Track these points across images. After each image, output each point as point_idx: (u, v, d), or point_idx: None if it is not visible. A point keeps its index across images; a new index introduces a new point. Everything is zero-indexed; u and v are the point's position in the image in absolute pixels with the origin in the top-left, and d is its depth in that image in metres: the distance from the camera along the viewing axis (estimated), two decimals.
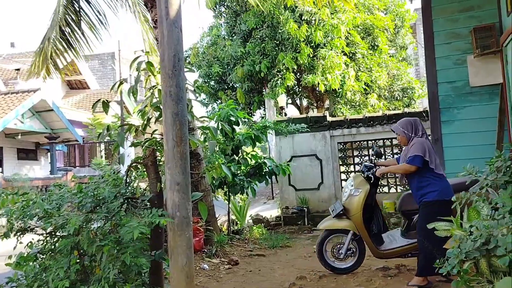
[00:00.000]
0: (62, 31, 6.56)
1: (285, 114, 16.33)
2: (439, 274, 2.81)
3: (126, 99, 18.58)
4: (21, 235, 3.59)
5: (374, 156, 5.23)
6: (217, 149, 7.23)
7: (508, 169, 2.67)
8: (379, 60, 14.52)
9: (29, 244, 3.59)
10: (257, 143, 7.73)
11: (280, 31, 12.94)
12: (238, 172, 7.28)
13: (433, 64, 6.34)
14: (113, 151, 4.44)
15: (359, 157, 9.62)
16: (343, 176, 9.64)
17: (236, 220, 8.75)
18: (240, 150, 7.54)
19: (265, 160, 7.75)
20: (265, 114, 15.97)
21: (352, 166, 9.71)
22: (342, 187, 9.51)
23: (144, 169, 3.84)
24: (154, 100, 4.23)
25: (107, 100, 4.32)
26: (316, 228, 8.55)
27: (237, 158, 7.47)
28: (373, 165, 5.02)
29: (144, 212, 3.40)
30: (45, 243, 3.62)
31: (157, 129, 4.42)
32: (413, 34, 18.13)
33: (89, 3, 6.63)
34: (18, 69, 19.30)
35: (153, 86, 4.32)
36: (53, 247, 3.64)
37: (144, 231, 3.20)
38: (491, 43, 5.85)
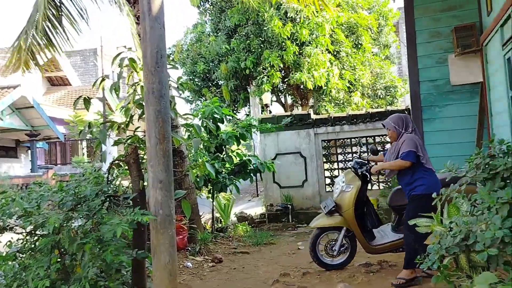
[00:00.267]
0: (42, 26, 6.44)
1: (270, 112, 16.33)
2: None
3: (109, 96, 18.34)
4: (0, 234, 3.52)
5: (370, 154, 5.22)
6: (201, 146, 7.20)
7: (487, 166, 2.72)
8: (362, 59, 14.64)
9: (8, 243, 3.53)
10: (242, 141, 7.73)
11: (265, 28, 12.93)
12: (222, 170, 7.26)
13: (415, 62, 6.42)
14: (95, 149, 4.39)
15: (343, 155, 9.70)
16: (327, 174, 9.70)
17: (220, 218, 8.74)
18: (224, 148, 7.51)
19: (250, 158, 7.75)
20: (250, 112, 15.97)
21: (336, 164, 9.77)
22: (326, 184, 9.57)
23: (126, 167, 3.80)
24: (137, 97, 4.18)
25: (88, 97, 4.26)
26: (300, 225, 8.64)
27: (221, 155, 7.45)
28: (365, 161, 5.07)
29: (127, 210, 3.37)
30: (24, 242, 3.56)
31: (139, 127, 4.38)
32: (396, 32, 18.32)
33: None
34: None
35: (136, 83, 4.28)
36: (33, 246, 3.58)
37: (127, 229, 3.17)
38: (472, 42, 5.95)
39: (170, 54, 16.09)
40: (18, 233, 3.57)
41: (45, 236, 3.41)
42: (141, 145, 4.22)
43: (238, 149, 7.85)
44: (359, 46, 14.55)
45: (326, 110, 14.43)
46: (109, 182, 3.77)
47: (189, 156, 7.03)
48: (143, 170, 3.80)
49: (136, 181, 3.66)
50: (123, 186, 3.87)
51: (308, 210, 9.14)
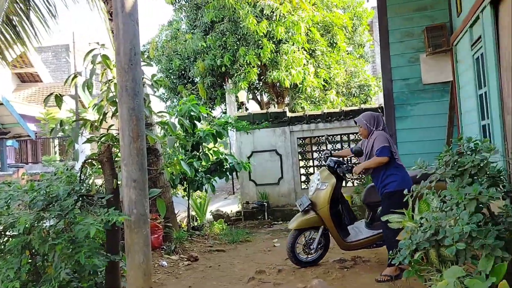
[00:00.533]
0: (10, 20, 6.25)
1: (246, 109, 16.34)
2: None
3: (81, 93, 17.97)
4: None
5: (354, 155, 4.96)
6: (177, 144, 7.14)
7: (455, 163, 2.80)
8: (337, 58, 14.80)
9: None
10: (219, 139, 7.70)
11: (241, 25, 12.91)
12: (199, 168, 7.22)
13: (388, 61, 6.54)
14: (68, 147, 4.31)
15: (318, 152, 9.79)
16: (303, 171, 9.78)
17: (196, 216, 8.70)
18: (201, 146, 7.47)
19: (226, 157, 7.73)
20: (226, 109, 15.93)
21: (311, 161, 9.86)
22: (301, 182, 9.64)
23: (100, 166, 3.75)
24: (111, 95, 4.12)
25: (60, 94, 4.17)
26: (276, 223, 8.69)
27: (198, 154, 7.41)
28: (341, 160, 5.09)
29: (100, 210, 3.32)
30: None
31: (113, 124, 4.31)
32: (370, 32, 18.59)
33: None
34: None
35: (109, 80, 4.21)
36: (2, 247, 3.50)
37: (100, 229, 3.13)
38: (442, 42, 6.10)
39: (145, 51, 15.88)
40: None
41: (15, 237, 3.33)
42: (115, 143, 4.16)
43: (215, 147, 7.82)
44: (334, 45, 14.70)
45: (302, 107, 14.53)
46: (81, 181, 3.70)
47: (165, 154, 6.97)
48: (117, 169, 3.75)
49: (109, 180, 3.61)
50: (96, 185, 3.81)
51: (284, 208, 9.21)
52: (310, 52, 14.09)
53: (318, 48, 14.13)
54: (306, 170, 9.80)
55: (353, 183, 9.41)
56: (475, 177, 2.74)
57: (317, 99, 14.77)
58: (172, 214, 6.88)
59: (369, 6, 16.70)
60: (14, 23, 6.32)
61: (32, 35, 6.41)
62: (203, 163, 7.32)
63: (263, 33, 12.62)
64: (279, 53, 13.12)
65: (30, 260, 3.33)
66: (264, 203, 9.13)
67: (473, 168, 2.69)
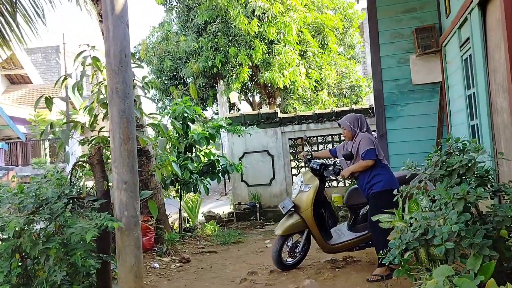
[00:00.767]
0: None
1: (238, 110, 16.36)
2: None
3: (72, 95, 17.86)
4: None
5: (344, 158, 4.85)
6: (169, 146, 7.12)
7: (444, 163, 2.83)
8: (328, 59, 14.88)
9: None
10: (211, 141, 7.68)
11: (232, 26, 12.92)
12: (194, 170, 7.19)
13: (378, 62, 6.59)
14: (58, 150, 4.28)
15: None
16: (294, 172, 9.80)
17: (188, 218, 8.68)
18: (194, 148, 7.46)
19: (219, 158, 7.72)
20: (218, 110, 15.93)
21: (303, 162, 9.88)
22: (293, 182, 9.66)
23: (90, 168, 3.73)
24: (101, 97, 4.11)
25: (50, 96, 4.14)
26: (268, 223, 8.70)
27: (190, 155, 7.39)
28: (326, 163, 5.06)
29: (92, 213, 3.31)
30: None
31: (104, 126, 4.30)
32: (361, 33, 18.69)
33: None
34: None
35: (100, 82, 4.20)
36: None
37: (97, 234, 3.12)
38: (432, 43, 6.16)
39: (136, 52, 15.84)
40: None
41: (5, 240, 3.31)
42: (106, 145, 4.15)
43: (207, 148, 7.81)
44: (325, 46, 14.78)
45: (294, 108, 14.58)
46: (72, 183, 3.69)
47: (157, 155, 6.95)
48: (107, 171, 3.74)
49: (100, 182, 3.60)
50: (87, 188, 3.80)
51: (276, 208, 9.20)
52: (302, 53, 14.14)
53: (309, 49, 14.19)
54: (298, 171, 9.82)
55: (344, 183, 9.46)
56: (464, 177, 2.77)
57: (308, 100, 14.83)
58: (163, 215, 6.87)
59: (359, 8, 16.81)
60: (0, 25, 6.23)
61: (15, 38, 6.32)
62: (195, 164, 7.31)
63: (255, 32, 12.65)
64: (272, 54, 13.16)
65: (20, 264, 3.31)
66: (256, 204, 9.14)
67: (461, 168, 2.71)
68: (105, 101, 3.95)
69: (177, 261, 5.88)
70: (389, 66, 6.55)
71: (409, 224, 2.89)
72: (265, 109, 15.80)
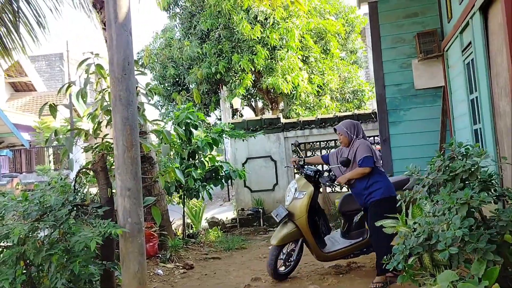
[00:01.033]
0: None
1: (241, 115, 16.40)
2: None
3: (76, 102, 17.96)
4: None
5: (341, 165, 4.70)
6: (172, 152, 7.14)
7: (447, 168, 2.83)
8: (331, 64, 14.91)
9: None
10: (214, 146, 7.70)
11: (235, 31, 12.99)
12: (198, 177, 7.19)
13: (381, 67, 6.60)
14: (62, 157, 4.30)
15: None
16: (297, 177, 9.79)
17: (192, 224, 8.68)
18: (197, 154, 7.47)
19: (222, 164, 7.73)
20: (221, 116, 15.97)
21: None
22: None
23: (94, 175, 3.75)
24: (105, 104, 4.13)
25: (54, 104, 4.17)
26: (272, 229, 8.69)
27: (194, 162, 7.40)
28: (320, 169, 4.97)
29: (96, 220, 3.32)
30: None
31: (108, 133, 4.32)
32: (363, 38, 18.74)
33: (29, 4, 6.31)
34: None
35: (104, 89, 4.22)
36: None
37: (101, 242, 3.12)
38: (434, 47, 6.16)
39: (139, 58, 15.92)
40: None
41: (10, 248, 3.32)
42: (110, 152, 4.17)
43: (210, 154, 7.82)
44: (328, 51, 14.82)
45: (297, 113, 14.60)
46: (76, 190, 3.70)
47: (160, 162, 6.97)
48: (111, 178, 3.75)
49: (104, 189, 3.62)
50: (91, 194, 3.82)
51: None
52: (304, 58, 14.18)
53: (311, 54, 14.23)
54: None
55: (348, 189, 9.42)
56: (467, 182, 2.77)
57: (311, 105, 14.85)
58: (167, 222, 6.87)
59: (361, 13, 16.84)
60: (1, 34, 6.27)
61: (19, 47, 6.36)
62: (199, 171, 7.32)
63: (257, 38, 12.70)
64: (275, 60, 13.20)
65: (25, 271, 3.32)
66: (260, 209, 9.14)
67: (464, 172, 2.71)
68: (108, 108, 3.97)
69: (181, 267, 5.87)
70: (391, 71, 6.56)
71: (413, 229, 2.88)
72: (268, 114, 15.83)
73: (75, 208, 3.53)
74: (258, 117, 10.62)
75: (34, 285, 3.38)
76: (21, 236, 3.13)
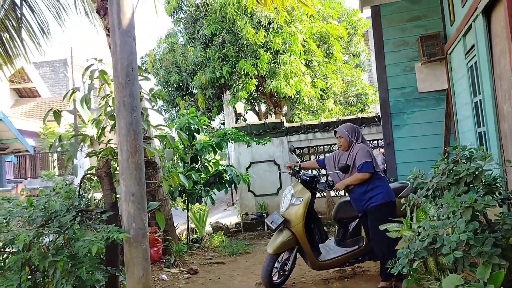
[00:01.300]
0: (0, 36, 6.26)
1: (245, 120, 16.43)
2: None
3: (80, 108, 18.04)
4: None
5: (340, 171, 4.56)
6: (175, 157, 7.16)
7: (451, 171, 2.82)
8: (334, 68, 14.93)
9: None
10: (218, 150, 7.71)
11: (240, 36, 13.04)
12: (198, 180, 7.21)
13: (384, 71, 6.59)
14: (67, 162, 4.32)
15: None
16: None
17: (196, 228, 8.68)
18: (200, 158, 7.48)
19: (226, 168, 7.73)
20: (224, 120, 16.00)
21: (309, 171, 9.86)
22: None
23: (98, 180, 3.76)
24: (109, 109, 4.15)
25: (58, 110, 4.19)
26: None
27: (197, 166, 7.41)
28: (314, 176, 4.80)
29: (100, 225, 3.33)
30: None
31: (112, 139, 4.34)
32: (366, 41, 18.73)
33: (32, 11, 6.37)
34: None
35: (107, 95, 4.25)
36: (2, 264, 3.50)
37: (102, 247, 3.13)
38: (437, 50, 6.16)
39: (143, 63, 15.99)
40: None
41: (15, 254, 3.34)
42: (114, 157, 4.18)
43: (214, 158, 7.83)
44: (331, 55, 14.84)
45: (300, 118, 14.61)
46: (80, 196, 3.72)
47: (164, 167, 6.98)
48: (115, 183, 3.77)
49: (108, 194, 3.63)
50: (95, 200, 3.83)
51: None
52: (307, 62, 14.21)
53: (314, 58, 14.25)
54: None
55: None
56: (471, 185, 2.76)
57: (315, 109, 14.86)
58: (171, 227, 6.88)
59: (364, 16, 16.86)
60: (4, 40, 6.33)
61: (23, 53, 6.41)
62: (203, 175, 7.33)
63: (261, 42, 12.75)
64: (277, 64, 13.23)
65: (30, 277, 3.33)
66: (264, 214, 9.12)
67: (468, 176, 2.70)
68: (112, 113, 3.99)
69: (185, 272, 5.87)
70: (395, 74, 6.55)
71: (417, 233, 2.87)
72: (271, 118, 15.84)
73: (79, 214, 3.54)
74: (262, 122, 10.64)
75: None
76: (26, 242, 3.14)
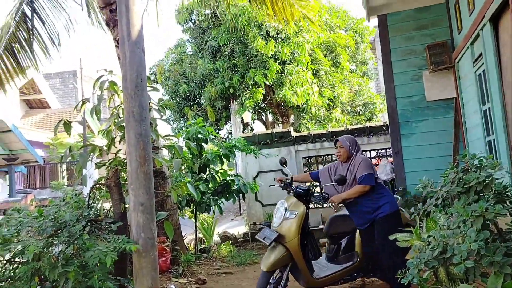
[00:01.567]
0: (12, 47, 6.37)
1: (252, 129, 16.45)
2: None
3: (90, 119, 18.20)
4: None
5: (336, 183, 4.31)
6: (184, 167, 7.18)
7: (460, 180, 2.80)
8: (341, 77, 14.94)
9: None
10: (225, 160, 7.72)
11: (249, 47, 13.15)
12: (206, 190, 7.21)
13: (391, 79, 6.60)
14: (77, 173, 4.35)
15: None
16: None
17: (204, 238, 8.67)
18: (208, 168, 7.50)
19: (233, 178, 7.74)
20: (232, 130, 16.05)
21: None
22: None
23: (108, 190, 3.79)
24: (118, 120, 4.19)
25: (69, 121, 4.24)
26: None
27: (204, 176, 7.43)
28: (307, 188, 4.56)
29: (110, 235, 3.35)
30: (3, 270, 3.49)
31: (121, 149, 4.37)
32: (373, 49, 18.75)
33: (43, 23, 6.48)
34: None
35: (117, 106, 4.29)
36: (12, 274, 3.52)
37: (116, 258, 3.13)
38: (445, 59, 6.16)
39: (152, 73, 16.12)
40: None
41: (25, 264, 3.36)
42: (124, 167, 4.21)
43: (222, 168, 7.84)
44: (338, 64, 14.86)
45: (307, 127, 14.61)
46: (90, 206, 3.74)
47: (173, 177, 7.01)
48: (124, 193, 3.79)
49: (117, 204, 3.65)
50: (104, 210, 3.85)
51: None
52: (314, 72, 14.25)
53: (322, 68, 14.29)
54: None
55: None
56: (481, 194, 2.74)
57: (322, 118, 14.86)
58: (179, 236, 6.88)
59: (371, 25, 16.89)
60: (15, 51, 6.44)
61: (33, 64, 6.51)
62: (210, 185, 7.34)
63: (271, 54, 12.84)
64: (284, 74, 13.30)
65: (39, 287, 3.35)
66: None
67: (478, 185, 2.68)
68: (122, 124, 4.03)
69: (193, 282, 5.86)
70: (402, 83, 6.56)
71: (427, 243, 2.85)
72: (279, 128, 15.86)
73: (89, 224, 3.56)
74: (269, 131, 10.64)
75: None
76: (36, 252, 3.16)
